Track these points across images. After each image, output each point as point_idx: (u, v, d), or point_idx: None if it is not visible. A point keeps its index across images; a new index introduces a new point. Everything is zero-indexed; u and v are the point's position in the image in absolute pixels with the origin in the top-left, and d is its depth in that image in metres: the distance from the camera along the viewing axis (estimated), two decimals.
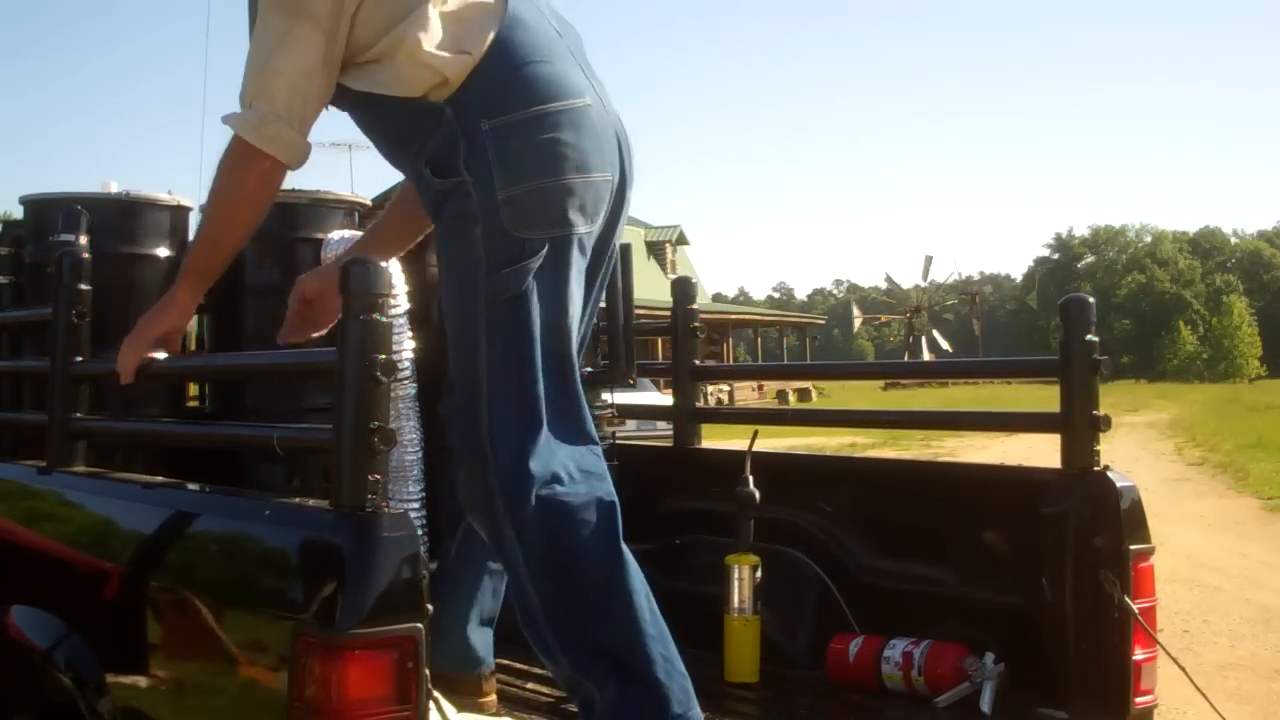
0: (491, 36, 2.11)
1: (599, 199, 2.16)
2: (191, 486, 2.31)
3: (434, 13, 2.11)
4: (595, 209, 2.16)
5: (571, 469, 2.09)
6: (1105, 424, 2.48)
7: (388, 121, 2.21)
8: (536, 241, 2.09)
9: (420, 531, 2.42)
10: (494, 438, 2.07)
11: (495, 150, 2.08)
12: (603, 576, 2.07)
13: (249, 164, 2.15)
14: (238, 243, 2.28)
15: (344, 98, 2.21)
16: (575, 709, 2.14)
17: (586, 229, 2.15)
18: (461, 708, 2.18)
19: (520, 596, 2.10)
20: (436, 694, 1.75)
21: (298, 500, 2.04)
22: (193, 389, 3.55)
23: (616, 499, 2.12)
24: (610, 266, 2.32)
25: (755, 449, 2.87)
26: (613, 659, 2.05)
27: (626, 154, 2.25)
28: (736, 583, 2.74)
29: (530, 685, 2.67)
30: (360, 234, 2.88)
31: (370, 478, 1.71)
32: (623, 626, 2.05)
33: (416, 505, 2.64)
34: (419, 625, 1.67)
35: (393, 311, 2.04)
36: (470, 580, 2.48)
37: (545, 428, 2.08)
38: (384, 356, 1.73)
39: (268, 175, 2.16)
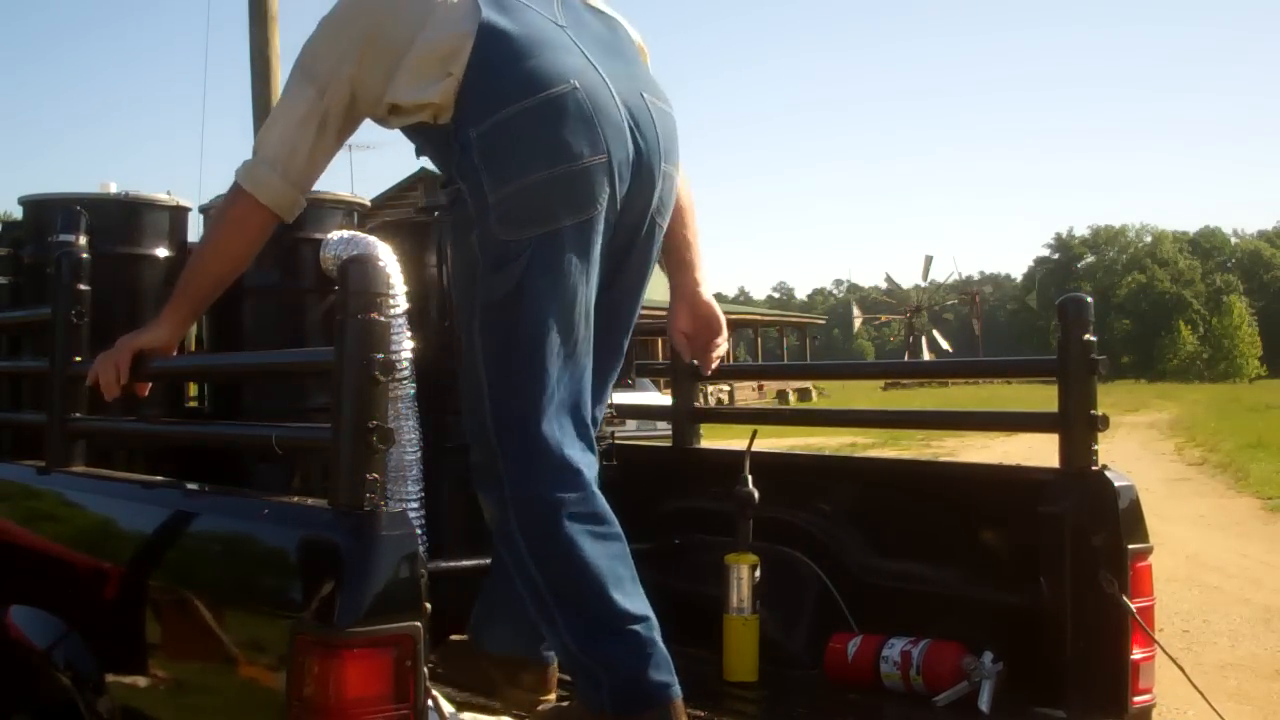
0: (468, 53, 2.16)
1: (593, 183, 2.16)
2: (190, 486, 2.31)
3: (419, 54, 2.20)
4: (590, 194, 2.16)
5: (570, 462, 2.17)
6: (1103, 423, 2.48)
7: (430, 151, 2.34)
8: (521, 243, 2.13)
9: (419, 531, 2.42)
10: (498, 434, 2.17)
11: (480, 154, 2.15)
12: (599, 562, 2.14)
13: (234, 200, 2.34)
14: (221, 271, 2.42)
15: (413, 139, 2.36)
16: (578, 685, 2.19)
17: (576, 219, 2.15)
18: (460, 706, 2.18)
19: (525, 579, 2.18)
20: (435, 692, 1.76)
21: (296, 499, 2.04)
22: (192, 389, 3.55)
23: (597, 489, 2.20)
24: (655, 236, 2.35)
25: (754, 449, 2.87)
26: (616, 634, 2.12)
27: (644, 126, 2.25)
28: (735, 582, 2.74)
29: None
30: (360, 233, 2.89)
31: (369, 477, 1.72)
32: (617, 603, 2.13)
33: (415, 505, 2.64)
34: (417, 624, 1.67)
35: (391, 311, 2.04)
36: None
37: (544, 425, 2.15)
38: (382, 356, 1.73)
39: (247, 213, 2.32)
